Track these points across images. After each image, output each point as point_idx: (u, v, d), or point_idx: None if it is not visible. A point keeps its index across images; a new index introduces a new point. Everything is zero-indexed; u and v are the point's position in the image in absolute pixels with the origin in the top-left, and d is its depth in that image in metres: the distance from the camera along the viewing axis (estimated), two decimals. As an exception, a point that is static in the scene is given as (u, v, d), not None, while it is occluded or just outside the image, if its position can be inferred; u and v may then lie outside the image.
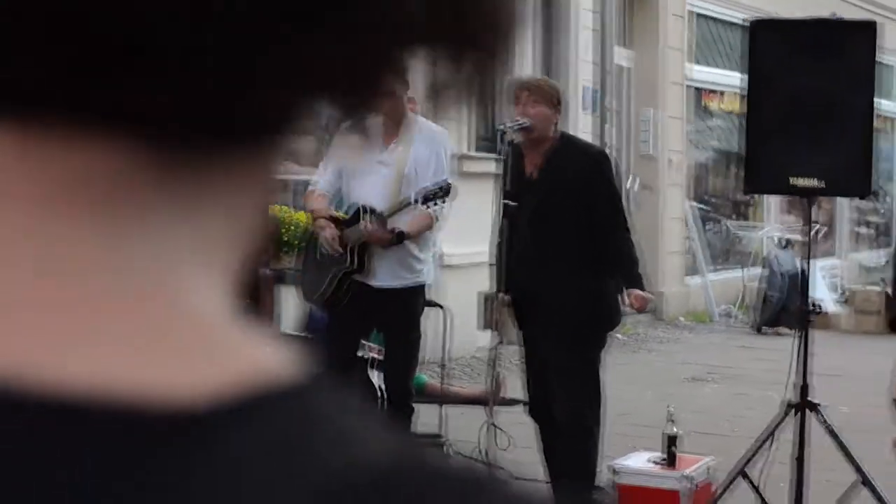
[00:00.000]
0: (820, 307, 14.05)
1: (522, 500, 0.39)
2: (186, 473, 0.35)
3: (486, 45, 0.41)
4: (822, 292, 13.28)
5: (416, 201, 5.92)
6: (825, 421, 5.23)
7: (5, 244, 0.37)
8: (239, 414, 0.37)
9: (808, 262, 5.43)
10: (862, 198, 5.50)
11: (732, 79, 14.98)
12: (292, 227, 8.38)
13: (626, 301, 5.71)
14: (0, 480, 0.34)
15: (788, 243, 14.12)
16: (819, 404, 5.26)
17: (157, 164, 0.39)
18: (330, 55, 0.38)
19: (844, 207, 18.68)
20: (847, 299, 14.64)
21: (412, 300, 6.10)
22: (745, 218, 16.73)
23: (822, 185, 5.18)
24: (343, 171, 6.07)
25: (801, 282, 5.46)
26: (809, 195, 5.31)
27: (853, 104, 5.11)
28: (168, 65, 0.37)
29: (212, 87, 0.37)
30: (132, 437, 0.36)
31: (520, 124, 5.54)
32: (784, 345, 9.73)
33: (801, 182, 5.17)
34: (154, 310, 0.38)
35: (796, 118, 5.12)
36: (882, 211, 20.29)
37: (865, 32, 5.15)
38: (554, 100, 5.64)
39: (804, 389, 5.25)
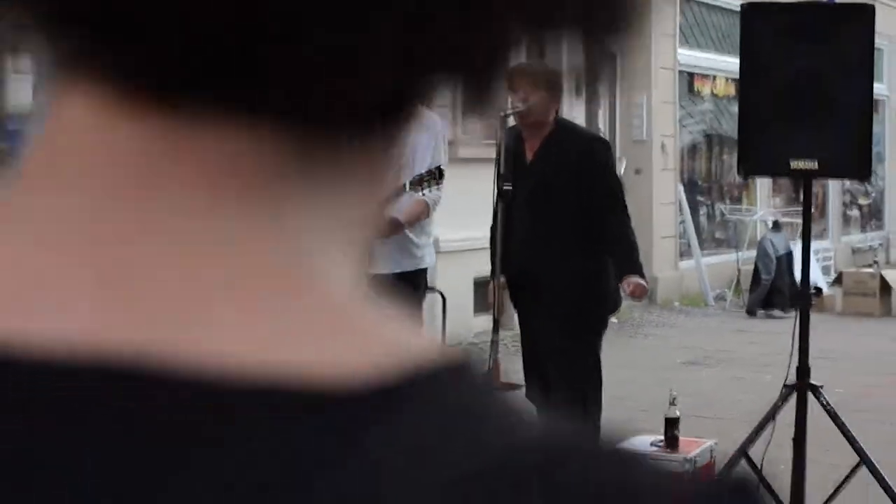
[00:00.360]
0: (820, 289, 13.99)
1: (669, 476, 0.39)
2: (361, 450, 0.36)
3: (623, 26, 0.41)
4: (814, 274, 13.30)
5: (408, 186, 5.91)
6: (826, 403, 5.24)
7: (170, 224, 0.38)
8: (398, 393, 0.37)
9: (808, 244, 5.43)
10: (863, 179, 5.50)
11: (723, 63, 15.01)
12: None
13: (626, 289, 5.71)
14: (146, 450, 0.35)
15: (779, 226, 14.15)
16: (821, 386, 5.28)
17: (298, 150, 0.39)
18: (458, 39, 0.39)
19: (835, 190, 18.72)
20: (839, 281, 14.66)
21: (413, 285, 6.11)
22: (738, 202, 16.75)
23: (822, 167, 5.19)
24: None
25: (801, 263, 5.45)
26: (809, 177, 5.32)
27: (851, 86, 5.11)
28: (308, 58, 0.38)
29: (349, 76, 0.38)
30: (300, 416, 0.36)
31: (519, 109, 5.54)
32: (778, 327, 9.76)
33: (801, 164, 5.17)
34: (300, 290, 0.39)
35: (793, 101, 5.12)
36: (872, 193, 20.32)
37: (862, 15, 5.15)
38: (553, 85, 5.63)
39: (804, 371, 5.26)
